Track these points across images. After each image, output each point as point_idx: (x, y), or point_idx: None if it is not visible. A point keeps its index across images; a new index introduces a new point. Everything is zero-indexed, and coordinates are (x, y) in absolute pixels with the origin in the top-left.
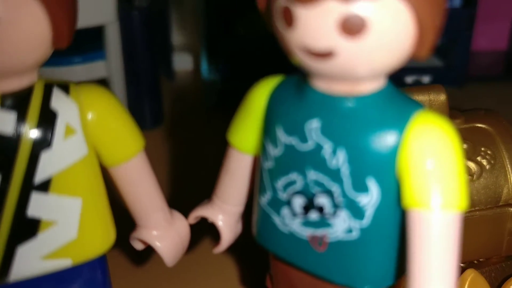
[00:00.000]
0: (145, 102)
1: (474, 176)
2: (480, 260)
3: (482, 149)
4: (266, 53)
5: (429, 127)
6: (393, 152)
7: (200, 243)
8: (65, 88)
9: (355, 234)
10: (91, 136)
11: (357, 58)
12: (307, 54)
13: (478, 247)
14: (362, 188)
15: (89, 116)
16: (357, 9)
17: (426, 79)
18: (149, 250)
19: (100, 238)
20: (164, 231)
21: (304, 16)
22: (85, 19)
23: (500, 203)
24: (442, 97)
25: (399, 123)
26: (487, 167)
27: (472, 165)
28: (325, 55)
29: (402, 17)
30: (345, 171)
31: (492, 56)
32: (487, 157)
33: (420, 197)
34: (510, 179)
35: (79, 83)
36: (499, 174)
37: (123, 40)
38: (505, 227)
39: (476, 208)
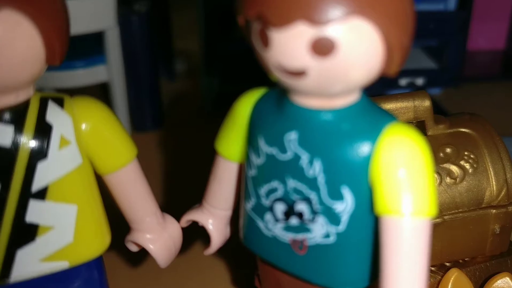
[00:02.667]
0: (146, 104)
1: (458, 179)
2: (465, 259)
3: (466, 153)
4: None
5: (400, 138)
6: (366, 162)
7: (191, 245)
8: (60, 101)
9: (332, 239)
10: (85, 146)
11: (328, 76)
12: (282, 72)
13: (462, 247)
14: (337, 196)
15: (83, 127)
16: (326, 32)
17: (420, 81)
18: (144, 251)
19: (96, 241)
20: (157, 234)
21: (278, 38)
22: (86, 25)
23: (483, 205)
24: (426, 103)
25: (372, 135)
26: (470, 170)
27: (455, 168)
28: (299, 73)
29: (369, 38)
30: (321, 180)
31: (489, 56)
32: (470, 161)
33: (391, 204)
34: (492, 182)
35: (72, 95)
36: (482, 177)
37: (123, 44)
38: (488, 228)
39: (459, 210)
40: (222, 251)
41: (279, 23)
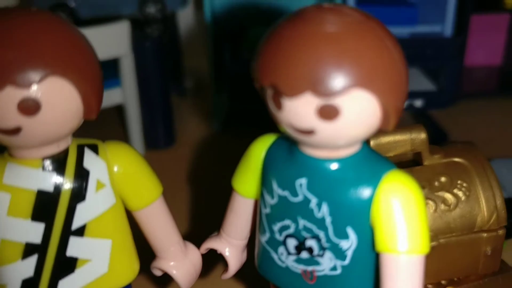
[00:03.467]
0: (158, 124)
1: (451, 206)
2: (460, 278)
3: (459, 181)
4: None
5: (397, 185)
6: (368, 206)
7: (210, 270)
8: (94, 148)
9: (338, 271)
10: (117, 187)
11: (334, 135)
12: (293, 130)
13: (457, 267)
14: (343, 235)
15: (115, 169)
16: (331, 101)
17: (418, 102)
18: (167, 277)
19: (127, 270)
20: (179, 261)
21: (289, 104)
22: (102, 53)
23: (475, 230)
24: (422, 135)
25: (373, 181)
26: (463, 198)
27: (449, 196)
28: (308, 132)
29: (369, 105)
30: (328, 221)
31: (486, 71)
32: (463, 189)
33: (389, 243)
34: (483, 209)
35: (105, 140)
36: (474, 204)
37: (137, 68)
38: (480, 250)
39: (453, 234)
40: (238, 275)
41: (290, 93)
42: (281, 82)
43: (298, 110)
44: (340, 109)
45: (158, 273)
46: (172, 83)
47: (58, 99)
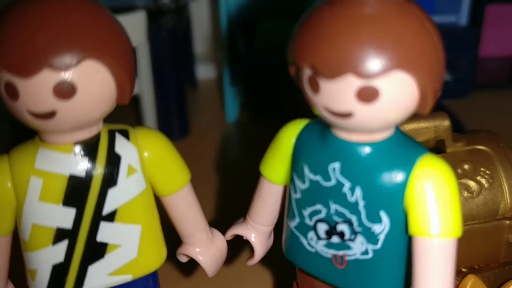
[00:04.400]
0: (173, 115)
1: (474, 194)
2: (480, 265)
3: (482, 169)
4: (284, 66)
5: (431, 170)
6: (401, 190)
7: (235, 256)
8: (125, 133)
9: (370, 255)
10: (147, 172)
11: (371, 118)
12: (329, 113)
13: (478, 255)
14: (376, 219)
15: (146, 155)
16: (372, 83)
17: None
18: (193, 262)
19: (155, 256)
20: (206, 248)
21: (328, 86)
22: None
23: (498, 217)
24: (446, 123)
25: (407, 166)
26: (486, 185)
27: (472, 183)
28: (345, 115)
29: (408, 86)
30: (361, 205)
31: (500, 62)
32: (486, 176)
33: (422, 226)
34: (506, 196)
35: (135, 127)
36: (497, 192)
37: (152, 58)
38: (502, 237)
39: (476, 222)
40: (264, 260)
41: (330, 75)
42: (321, 64)
43: (337, 93)
44: (379, 91)
45: (183, 259)
46: (184, 74)
47: (93, 82)
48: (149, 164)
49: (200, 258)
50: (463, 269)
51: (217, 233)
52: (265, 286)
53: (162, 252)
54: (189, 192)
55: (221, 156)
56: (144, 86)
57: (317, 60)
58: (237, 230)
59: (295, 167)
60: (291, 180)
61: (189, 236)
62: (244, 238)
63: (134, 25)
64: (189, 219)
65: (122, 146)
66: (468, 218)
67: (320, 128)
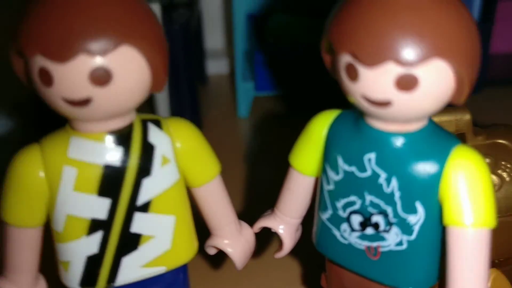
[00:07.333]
0: (186, 110)
1: (496, 187)
2: (501, 259)
3: (503, 163)
4: (296, 61)
5: (465, 160)
6: (436, 181)
7: (263, 249)
8: (157, 123)
9: (404, 246)
10: (180, 163)
11: (409, 107)
12: (366, 102)
13: (498, 249)
14: (411, 210)
15: (178, 145)
16: (411, 70)
17: None
18: (221, 255)
19: (188, 248)
20: (235, 240)
21: (367, 74)
22: None
23: None
24: (466, 117)
25: (441, 156)
26: (507, 179)
27: (493, 177)
28: (383, 104)
29: (445, 75)
30: (397, 196)
31: (510, 59)
32: (507, 170)
33: (456, 216)
34: None
35: (165, 117)
36: None
37: None
38: None
39: (497, 216)
40: (291, 252)
41: (371, 62)
42: (361, 52)
43: (376, 81)
44: (418, 80)
45: (212, 251)
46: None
47: (129, 69)
48: (182, 154)
49: (229, 250)
50: None
51: (245, 225)
52: (293, 278)
53: (194, 244)
54: (220, 183)
55: (233, 150)
56: None
57: (357, 47)
58: (265, 222)
59: (328, 158)
60: (324, 171)
61: (218, 228)
62: (273, 231)
63: None
64: (219, 210)
65: (155, 136)
66: None
67: (354, 118)
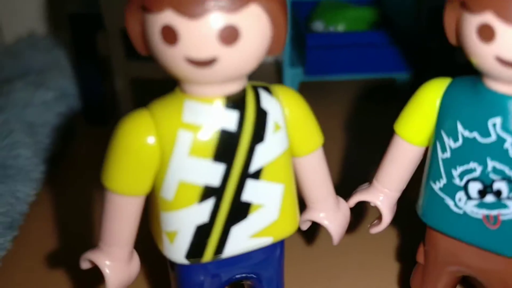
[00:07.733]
0: None
1: None
2: None
3: None
4: (343, 47)
5: None
6: None
7: (356, 225)
8: (267, 89)
9: None
10: (288, 131)
11: None
12: (503, 64)
13: None
14: None
15: (286, 113)
16: None
17: None
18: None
19: (292, 219)
20: (332, 213)
21: (506, 34)
22: None
23: None
24: None
25: None
26: None
27: None
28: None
29: None
30: None
31: None
32: None
33: None
34: None
35: (271, 84)
36: None
37: None
38: None
39: None
40: (385, 230)
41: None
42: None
43: None
44: None
45: (306, 225)
46: None
47: (256, 28)
48: (290, 122)
49: (326, 223)
50: None
51: (341, 200)
52: (386, 253)
53: (297, 216)
54: (322, 154)
55: None
56: None
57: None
58: (362, 196)
59: (444, 126)
60: (439, 139)
61: (317, 201)
62: (372, 205)
63: None
64: (320, 181)
65: (267, 102)
66: None
67: (471, 84)
